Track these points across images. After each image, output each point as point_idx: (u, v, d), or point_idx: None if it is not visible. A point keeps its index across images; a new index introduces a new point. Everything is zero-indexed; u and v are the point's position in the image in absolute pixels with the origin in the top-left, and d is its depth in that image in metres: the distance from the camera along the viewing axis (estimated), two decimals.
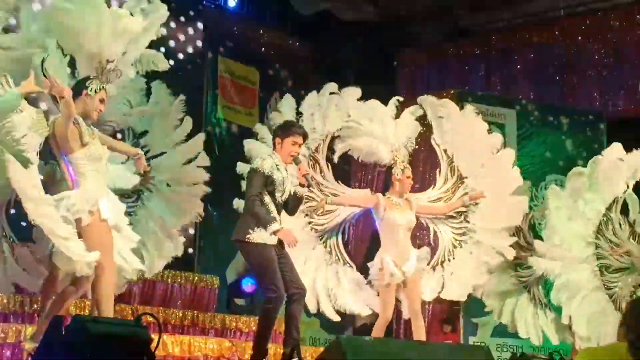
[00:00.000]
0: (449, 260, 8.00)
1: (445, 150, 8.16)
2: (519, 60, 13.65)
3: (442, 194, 8.13)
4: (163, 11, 6.59)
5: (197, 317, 8.67)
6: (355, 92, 8.02)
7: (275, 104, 8.60)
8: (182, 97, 7.81)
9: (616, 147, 8.32)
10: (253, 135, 8.17)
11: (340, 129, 7.94)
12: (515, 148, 12.23)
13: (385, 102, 8.36)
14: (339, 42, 13.94)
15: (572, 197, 8.10)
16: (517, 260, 9.18)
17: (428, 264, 7.92)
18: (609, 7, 12.93)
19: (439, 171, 8.24)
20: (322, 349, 6.20)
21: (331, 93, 7.98)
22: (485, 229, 8.00)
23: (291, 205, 6.67)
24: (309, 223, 7.68)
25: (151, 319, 4.50)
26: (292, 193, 6.62)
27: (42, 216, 5.40)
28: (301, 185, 6.77)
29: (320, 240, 7.69)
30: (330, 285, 7.69)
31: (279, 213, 6.51)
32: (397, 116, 8.11)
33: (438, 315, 11.98)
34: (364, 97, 8.20)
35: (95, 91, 5.93)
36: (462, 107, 12.10)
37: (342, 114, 7.92)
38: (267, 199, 6.42)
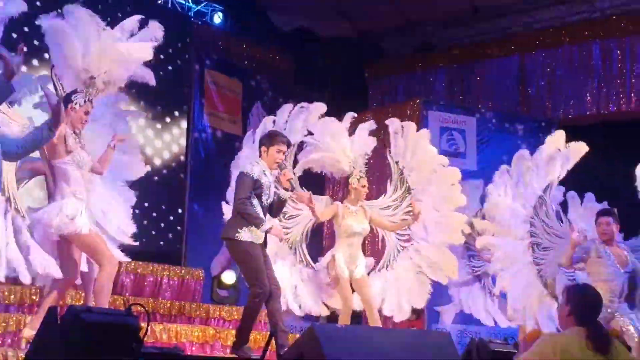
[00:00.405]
0: (392, 266, 8.02)
1: (397, 163, 8.18)
2: (478, 72, 13.72)
3: (391, 202, 8.13)
4: (159, 35, 6.50)
5: (184, 307, 8.65)
6: (321, 107, 7.97)
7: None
8: None
9: (559, 134, 8.33)
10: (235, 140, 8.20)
11: (303, 143, 7.90)
12: (475, 152, 12.40)
13: (357, 110, 8.36)
14: (316, 56, 13.96)
15: (514, 178, 8.18)
16: (471, 252, 9.26)
17: (374, 269, 7.94)
18: (560, 25, 13.03)
19: (390, 181, 8.25)
20: (297, 335, 6.18)
21: (301, 107, 7.94)
22: (425, 240, 8.03)
23: (275, 207, 6.66)
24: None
25: (141, 309, 4.47)
26: (276, 197, 6.63)
27: None
28: (285, 189, 6.77)
29: (287, 241, 7.66)
30: (294, 284, 7.67)
31: (264, 215, 6.51)
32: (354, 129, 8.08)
33: None
34: (339, 106, 8.19)
35: (79, 105, 5.96)
36: (426, 115, 12.28)
37: (304, 128, 7.89)
38: (255, 201, 6.40)
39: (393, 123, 8.24)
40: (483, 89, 13.63)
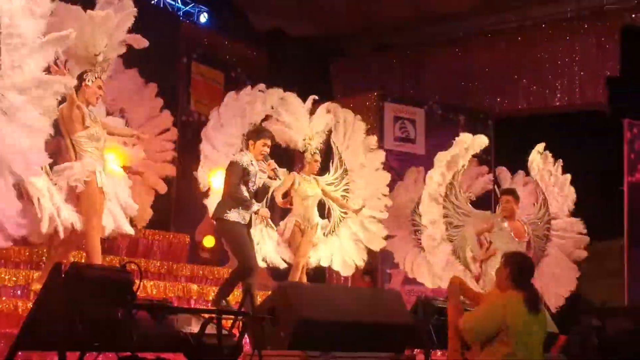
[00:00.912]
0: (337, 233, 8.08)
1: (337, 147, 8.18)
2: (427, 69, 13.74)
3: (333, 180, 8.18)
4: (130, 5, 6.31)
5: (172, 266, 8.59)
6: (278, 92, 7.95)
7: None
8: None
9: (466, 136, 8.46)
10: None
11: (264, 119, 7.86)
12: (424, 138, 12.43)
13: (323, 101, 8.33)
14: (287, 52, 13.90)
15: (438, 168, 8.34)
16: (416, 227, 9.30)
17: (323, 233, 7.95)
18: (496, 31, 13.07)
19: (332, 162, 8.24)
20: (269, 293, 6.17)
21: (259, 90, 7.91)
22: (360, 214, 8.07)
23: (260, 193, 6.63)
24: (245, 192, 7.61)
25: (134, 266, 4.42)
26: (260, 184, 6.59)
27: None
28: (269, 177, 6.74)
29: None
30: (256, 242, 7.63)
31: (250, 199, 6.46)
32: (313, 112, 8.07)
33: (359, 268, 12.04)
34: (306, 97, 8.13)
35: (91, 81, 5.91)
36: (382, 106, 12.27)
37: (267, 107, 7.84)
38: (243, 187, 6.36)
39: (335, 110, 8.20)
40: (431, 84, 13.66)
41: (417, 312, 6.10)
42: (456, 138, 8.46)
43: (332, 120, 8.07)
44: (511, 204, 7.54)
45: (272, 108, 7.86)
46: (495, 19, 13.05)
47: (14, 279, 6.51)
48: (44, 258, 6.91)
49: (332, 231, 8.03)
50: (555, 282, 8.35)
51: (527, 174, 8.83)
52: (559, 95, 12.36)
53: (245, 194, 6.34)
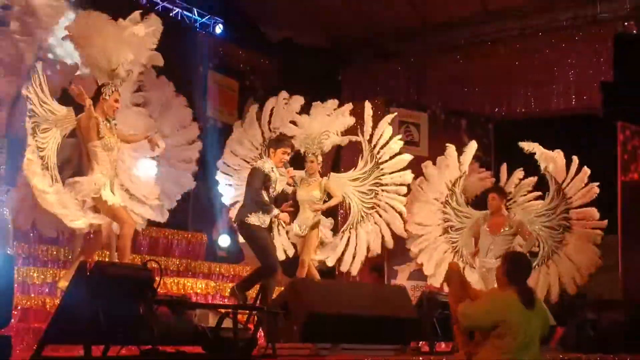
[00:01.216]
0: (356, 228, 7.91)
1: (367, 142, 8.05)
2: (430, 76, 13.70)
3: (361, 174, 7.99)
4: (158, 24, 6.34)
5: (190, 264, 8.60)
6: (299, 99, 7.92)
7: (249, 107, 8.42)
8: None
9: (450, 147, 8.58)
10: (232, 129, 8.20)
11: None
12: (427, 142, 12.40)
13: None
14: (299, 61, 13.91)
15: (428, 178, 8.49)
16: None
17: (334, 229, 7.85)
18: (496, 39, 13.03)
19: (361, 157, 8.14)
20: (282, 289, 6.18)
21: (284, 98, 7.89)
22: (390, 207, 7.96)
23: (279, 200, 6.65)
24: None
25: (155, 264, 4.45)
26: (280, 191, 6.61)
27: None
28: (288, 184, 6.74)
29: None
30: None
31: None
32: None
33: (367, 265, 12.04)
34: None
35: (108, 95, 5.94)
36: (388, 111, 12.26)
37: (288, 114, 7.78)
38: (264, 193, 6.36)
39: (367, 107, 8.15)
40: (434, 90, 13.64)
41: (421, 306, 6.13)
42: (469, 144, 8.56)
43: (352, 119, 7.91)
44: (496, 201, 7.71)
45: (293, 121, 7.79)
46: (495, 27, 13.00)
47: (42, 276, 6.54)
48: (70, 257, 6.94)
49: (352, 227, 7.90)
50: (575, 268, 8.35)
51: (527, 175, 8.81)
52: (555, 99, 12.33)
53: (266, 199, 6.34)
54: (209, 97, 12.24)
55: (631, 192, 11.47)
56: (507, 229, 7.63)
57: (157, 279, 4.35)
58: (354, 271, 8.03)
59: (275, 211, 6.32)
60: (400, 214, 7.96)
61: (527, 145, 8.46)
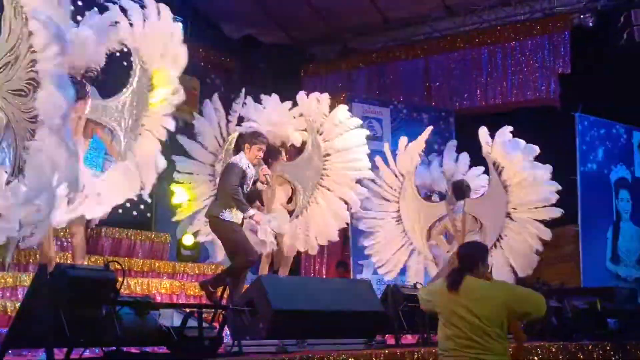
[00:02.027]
0: (302, 215, 7.79)
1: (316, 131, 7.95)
2: (391, 71, 13.76)
3: (304, 163, 7.74)
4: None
5: (154, 264, 8.55)
6: (275, 98, 7.83)
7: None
8: None
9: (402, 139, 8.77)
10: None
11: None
12: (390, 136, 12.45)
13: (294, 105, 8.22)
14: (260, 58, 13.88)
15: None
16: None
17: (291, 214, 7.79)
18: (455, 34, 13.15)
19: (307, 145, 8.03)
20: (247, 286, 6.16)
21: (235, 103, 7.74)
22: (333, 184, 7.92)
23: (252, 197, 6.58)
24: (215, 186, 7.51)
25: (117, 266, 4.40)
26: (253, 188, 6.54)
27: None
28: (261, 182, 6.65)
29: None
30: None
31: None
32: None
33: (334, 259, 12.09)
34: (280, 100, 8.00)
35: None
36: (351, 106, 12.27)
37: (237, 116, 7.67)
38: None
39: (301, 100, 7.93)
40: (395, 85, 13.70)
41: (387, 299, 6.15)
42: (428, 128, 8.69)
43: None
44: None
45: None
46: (454, 22, 13.15)
47: (2, 280, 6.43)
48: (31, 260, 6.84)
49: (297, 216, 7.81)
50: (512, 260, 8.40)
51: (486, 169, 8.89)
52: (514, 92, 12.50)
53: (241, 196, 6.27)
54: None
55: (590, 182, 11.68)
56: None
57: (120, 279, 4.31)
58: (312, 251, 7.90)
59: (251, 211, 6.20)
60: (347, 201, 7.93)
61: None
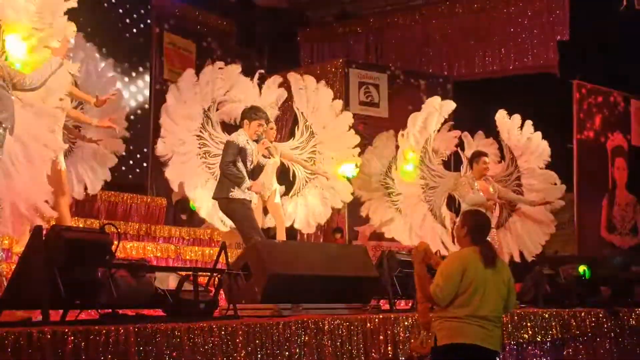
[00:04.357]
0: (302, 193, 7.89)
1: (302, 113, 8.00)
2: (389, 37, 13.70)
3: (298, 144, 7.95)
4: None
5: (150, 228, 8.53)
6: (237, 68, 7.73)
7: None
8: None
9: (435, 99, 8.39)
10: None
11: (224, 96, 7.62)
12: (387, 102, 12.42)
13: (290, 69, 8.21)
14: (256, 22, 13.76)
15: (405, 135, 8.20)
16: (389, 189, 9.24)
17: (288, 194, 7.83)
18: (453, 0, 13.05)
19: (297, 127, 8.09)
20: (242, 250, 6.17)
21: (219, 68, 7.64)
22: (327, 173, 7.95)
23: (256, 172, 6.54)
24: (203, 163, 7.46)
25: (112, 228, 4.39)
26: (256, 163, 6.50)
27: None
28: (263, 156, 6.62)
29: (213, 175, 7.45)
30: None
31: (248, 177, 6.30)
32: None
33: (329, 226, 12.12)
34: (275, 65, 7.99)
35: None
36: (347, 72, 12.23)
37: (226, 84, 7.62)
38: (241, 166, 6.25)
39: (294, 78, 8.01)
40: (393, 51, 13.64)
41: (381, 265, 6.16)
42: (426, 101, 8.42)
43: (283, 92, 7.86)
44: (488, 165, 7.75)
45: (228, 90, 7.57)
46: None
47: None
48: None
49: (297, 192, 7.91)
50: (529, 233, 8.48)
51: (486, 134, 8.89)
52: (512, 58, 12.45)
53: (243, 172, 6.24)
54: (165, 59, 12.08)
55: (586, 150, 11.70)
56: (491, 191, 7.75)
57: (116, 242, 4.31)
58: (309, 230, 8.02)
59: (247, 183, 6.20)
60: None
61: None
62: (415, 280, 4.33)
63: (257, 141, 6.52)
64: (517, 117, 8.49)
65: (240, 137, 6.32)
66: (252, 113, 6.48)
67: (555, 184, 8.56)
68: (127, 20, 10.85)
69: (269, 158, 6.77)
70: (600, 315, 7.27)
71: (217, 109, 7.44)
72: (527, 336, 6.40)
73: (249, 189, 6.24)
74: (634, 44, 10.93)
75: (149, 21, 11.60)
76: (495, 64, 12.64)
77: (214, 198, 6.50)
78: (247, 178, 6.24)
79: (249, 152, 6.32)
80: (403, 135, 8.19)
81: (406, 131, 8.17)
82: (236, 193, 6.21)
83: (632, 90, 12.43)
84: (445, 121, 8.51)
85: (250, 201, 6.34)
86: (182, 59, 12.34)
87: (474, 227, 4.24)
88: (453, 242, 7.70)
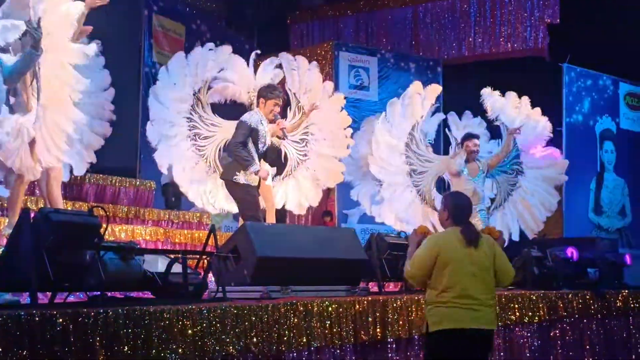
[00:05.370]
0: (294, 175, 7.85)
1: (295, 94, 7.94)
2: (379, 19, 13.67)
3: (291, 126, 7.92)
4: None
5: (139, 211, 8.51)
6: (228, 49, 7.65)
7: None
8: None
9: (417, 84, 8.38)
10: None
11: (215, 79, 7.54)
12: (377, 85, 12.41)
13: (280, 51, 8.15)
14: (246, 4, 13.68)
15: (390, 120, 8.18)
16: None
17: (279, 174, 7.79)
18: None
19: (290, 108, 8.03)
20: (232, 233, 6.18)
21: (210, 49, 7.56)
22: (319, 154, 7.95)
23: (269, 154, 6.49)
24: (193, 145, 7.41)
25: (101, 211, 4.39)
26: (270, 145, 6.43)
27: None
28: (277, 137, 6.54)
29: (203, 157, 7.42)
30: (208, 190, 7.46)
31: (259, 160, 6.28)
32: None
33: (319, 209, 12.13)
34: (265, 48, 7.93)
35: None
36: (337, 55, 12.19)
37: (217, 65, 7.55)
38: (252, 147, 6.18)
39: (286, 59, 7.89)
40: (383, 34, 13.61)
41: (370, 247, 6.18)
42: (409, 88, 8.38)
43: (278, 72, 7.79)
44: (478, 147, 7.79)
45: (220, 70, 7.50)
46: None
47: None
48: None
49: (289, 174, 7.89)
50: (530, 209, 8.53)
51: (474, 114, 8.90)
52: (503, 42, 12.45)
53: (254, 154, 6.17)
54: (154, 41, 12.00)
55: (575, 133, 11.74)
56: (480, 172, 7.81)
57: (104, 225, 4.31)
58: (301, 212, 8.02)
59: (255, 167, 6.12)
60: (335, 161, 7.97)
61: (484, 93, 8.45)
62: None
63: (273, 122, 6.46)
64: (512, 95, 8.51)
65: (254, 117, 6.22)
66: (268, 92, 6.37)
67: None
68: (116, 2, 10.75)
69: (284, 139, 6.67)
70: (587, 297, 7.32)
71: (208, 91, 7.39)
72: (514, 318, 6.45)
73: (256, 173, 6.18)
74: (624, 28, 10.94)
75: (138, 3, 11.53)
76: (485, 47, 12.65)
77: (221, 178, 6.46)
78: (256, 161, 6.18)
79: (261, 133, 6.23)
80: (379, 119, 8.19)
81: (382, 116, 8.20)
82: (240, 177, 6.16)
83: (621, 74, 12.46)
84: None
85: (255, 186, 6.26)
86: (171, 41, 12.26)
87: (454, 208, 4.28)
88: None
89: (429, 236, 4.36)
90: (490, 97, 8.44)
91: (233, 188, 6.28)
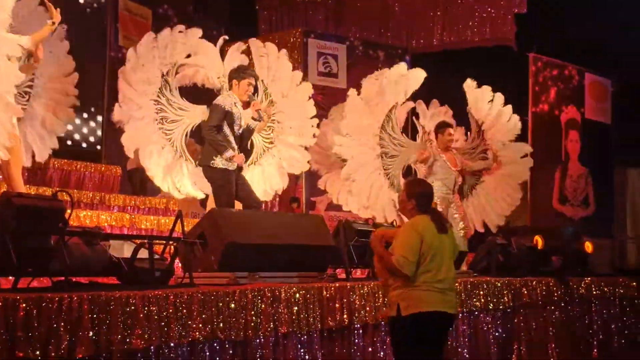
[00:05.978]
0: (260, 163, 7.73)
1: (262, 81, 7.87)
2: (348, 7, 13.65)
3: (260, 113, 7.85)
4: None
5: (104, 197, 8.41)
6: (197, 32, 7.55)
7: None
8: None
9: (401, 66, 8.36)
10: None
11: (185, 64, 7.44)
12: (345, 73, 12.41)
13: (249, 37, 8.06)
14: None
15: (364, 100, 8.11)
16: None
17: (245, 162, 7.71)
18: None
19: (257, 95, 7.94)
20: (199, 220, 6.13)
21: (179, 32, 7.44)
22: (284, 142, 7.91)
23: (245, 136, 6.39)
24: (160, 129, 7.31)
25: (66, 196, 4.32)
26: (245, 126, 6.33)
27: None
28: (253, 118, 6.47)
29: (169, 141, 7.33)
30: (175, 175, 7.38)
31: (236, 143, 6.20)
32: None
33: (287, 196, 12.11)
34: (233, 34, 7.81)
35: None
36: (306, 42, 12.15)
37: (187, 46, 7.46)
38: (227, 130, 6.10)
39: (255, 45, 7.78)
40: (352, 22, 13.61)
41: (338, 234, 6.19)
42: (391, 69, 8.25)
43: (244, 58, 7.72)
44: (453, 136, 7.76)
45: (189, 55, 7.41)
46: None
47: None
48: None
49: (255, 161, 7.82)
50: (493, 204, 8.54)
51: (441, 103, 8.92)
52: (470, 31, 12.52)
53: (230, 137, 6.09)
54: (120, 25, 11.85)
55: (541, 123, 11.88)
56: (458, 164, 7.84)
57: (69, 210, 4.25)
58: (266, 198, 7.94)
59: (230, 152, 6.06)
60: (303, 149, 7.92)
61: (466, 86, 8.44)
62: (377, 263, 4.37)
63: (247, 103, 6.37)
64: (487, 89, 8.52)
65: (227, 100, 6.14)
66: (240, 72, 6.29)
67: (527, 155, 8.68)
68: None
69: (259, 121, 6.61)
70: (551, 284, 7.44)
71: (177, 74, 7.29)
72: (479, 304, 6.52)
73: (230, 159, 6.12)
74: (590, 19, 11.07)
75: None
76: (453, 36, 12.71)
77: (197, 164, 6.36)
78: (232, 144, 6.10)
79: (236, 115, 6.16)
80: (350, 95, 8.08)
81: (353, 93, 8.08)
82: (217, 162, 6.09)
83: (586, 64, 12.62)
84: None
85: (232, 171, 6.19)
86: (137, 25, 12.11)
87: (421, 197, 4.31)
88: None
89: (406, 223, 4.38)
90: (469, 89, 8.44)
91: (210, 174, 6.22)
